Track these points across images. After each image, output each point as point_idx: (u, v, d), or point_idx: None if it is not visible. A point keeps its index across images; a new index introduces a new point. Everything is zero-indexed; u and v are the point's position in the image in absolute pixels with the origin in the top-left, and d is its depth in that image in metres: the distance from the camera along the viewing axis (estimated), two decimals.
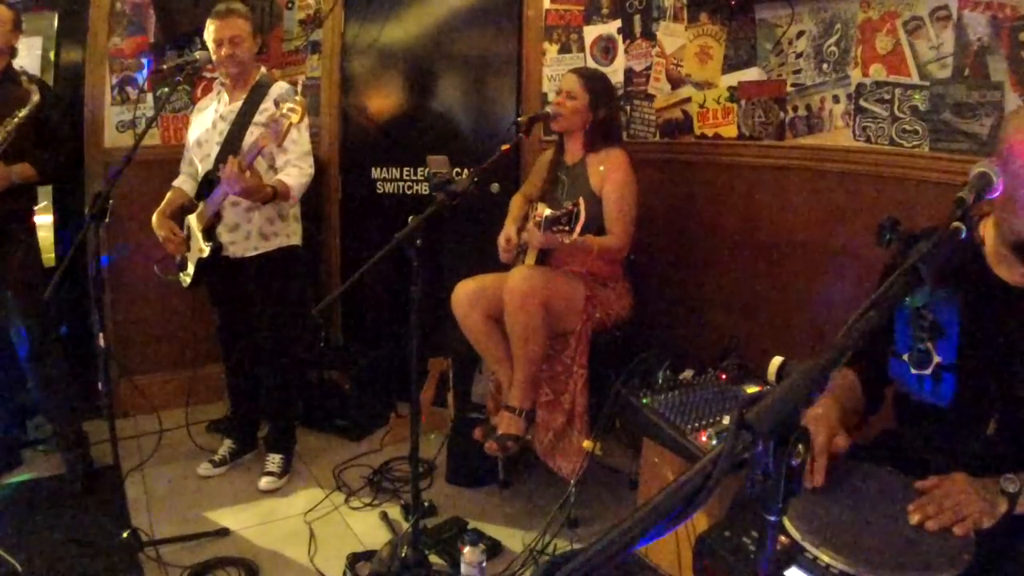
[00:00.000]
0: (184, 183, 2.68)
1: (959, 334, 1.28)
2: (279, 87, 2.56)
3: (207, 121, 2.57)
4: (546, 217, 2.09)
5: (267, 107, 2.49)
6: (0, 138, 2.38)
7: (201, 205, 2.49)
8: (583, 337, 2.32)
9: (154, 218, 2.55)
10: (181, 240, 2.53)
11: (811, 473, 1.24)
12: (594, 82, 2.52)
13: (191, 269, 2.55)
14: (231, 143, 2.46)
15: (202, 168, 2.54)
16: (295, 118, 2.20)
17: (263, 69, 2.62)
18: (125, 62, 3.12)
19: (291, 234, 2.65)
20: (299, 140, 2.49)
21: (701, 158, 2.74)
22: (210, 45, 2.48)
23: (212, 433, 3.06)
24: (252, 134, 2.46)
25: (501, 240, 2.59)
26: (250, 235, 2.54)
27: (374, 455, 2.91)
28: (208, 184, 2.46)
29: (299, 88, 2.72)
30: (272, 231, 2.58)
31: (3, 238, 2.51)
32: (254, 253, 2.55)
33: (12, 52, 2.54)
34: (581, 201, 2.03)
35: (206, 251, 2.48)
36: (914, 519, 1.16)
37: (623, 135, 2.75)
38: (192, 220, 2.53)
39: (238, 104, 2.52)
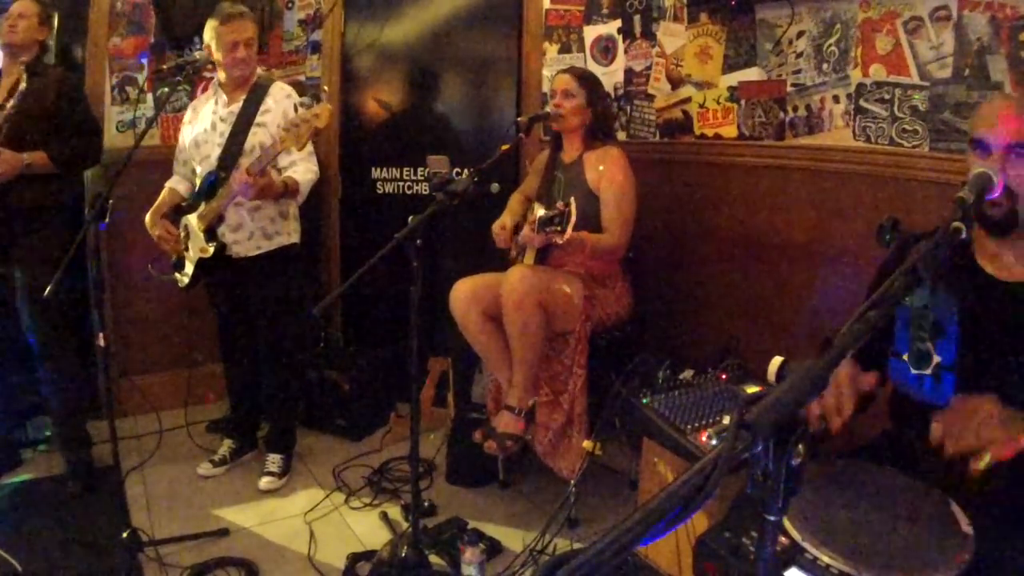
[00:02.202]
0: (178, 184, 2.67)
1: (958, 334, 1.28)
2: (279, 88, 2.55)
3: (205, 122, 2.56)
4: (539, 218, 2.12)
5: (268, 108, 2.50)
6: None
7: (202, 205, 2.49)
8: (582, 337, 2.32)
9: (147, 218, 2.54)
10: (177, 239, 2.53)
11: (839, 407, 1.20)
12: (586, 79, 2.54)
13: (189, 269, 2.55)
14: (233, 144, 2.46)
15: (202, 169, 2.53)
16: (321, 123, 2.19)
17: (259, 70, 2.62)
18: (125, 62, 3.12)
19: (291, 232, 2.66)
20: None
21: (701, 158, 2.74)
22: (219, 47, 2.45)
23: (212, 433, 3.06)
24: (255, 135, 2.46)
25: (495, 227, 2.59)
26: (253, 235, 2.54)
27: (374, 455, 2.91)
28: (211, 184, 2.46)
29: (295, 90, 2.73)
30: (275, 230, 2.58)
31: (17, 234, 2.49)
32: (256, 252, 2.55)
33: (42, 47, 2.53)
34: (572, 201, 2.04)
35: (210, 251, 2.47)
36: (936, 434, 1.13)
37: (619, 133, 2.75)
38: (192, 220, 2.52)
39: (237, 106, 2.51)
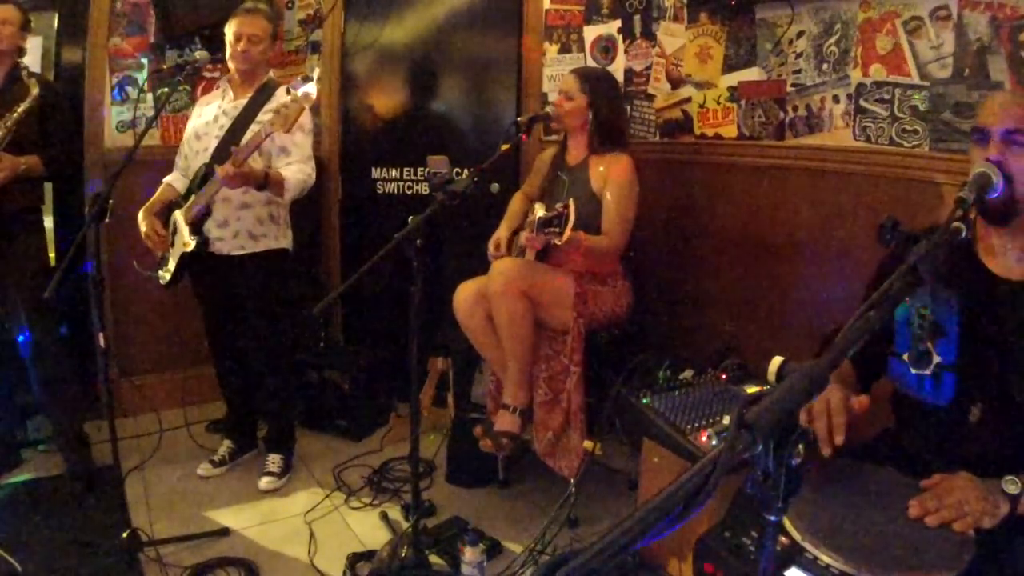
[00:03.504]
0: (176, 180, 2.66)
1: (959, 333, 1.28)
2: (285, 91, 2.54)
3: (208, 115, 2.57)
4: (539, 219, 2.12)
5: (271, 107, 2.49)
6: (1, 133, 2.39)
7: (192, 199, 2.49)
8: (577, 335, 2.32)
9: (140, 212, 2.54)
10: (164, 238, 2.51)
11: (831, 435, 1.20)
12: (593, 82, 2.49)
13: (171, 265, 2.53)
14: (231, 138, 2.45)
15: (197, 161, 2.53)
16: (308, 102, 2.20)
17: (271, 73, 2.62)
18: (125, 62, 3.12)
19: (280, 237, 2.63)
20: (301, 144, 2.50)
21: (701, 158, 2.74)
22: (228, 39, 2.50)
23: (212, 433, 3.06)
24: (253, 131, 2.46)
25: (490, 245, 2.59)
26: (238, 233, 2.52)
27: (374, 455, 2.90)
28: (203, 177, 2.46)
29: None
30: (261, 232, 2.56)
31: (10, 236, 2.51)
32: (240, 252, 2.54)
33: (20, 52, 2.55)
34: (571, 203, 2.04)
35: (191, 245, 2.46)
36: (913, 512, 1.16)
37: (628, 136, 2.73)
38: (178, 215, 2.52)
39: (242, 101, 2.52)
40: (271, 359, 2.70)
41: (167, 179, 2.67)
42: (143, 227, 2.51)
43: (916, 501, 1.18)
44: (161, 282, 2.59)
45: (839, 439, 1.20)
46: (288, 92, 2.25)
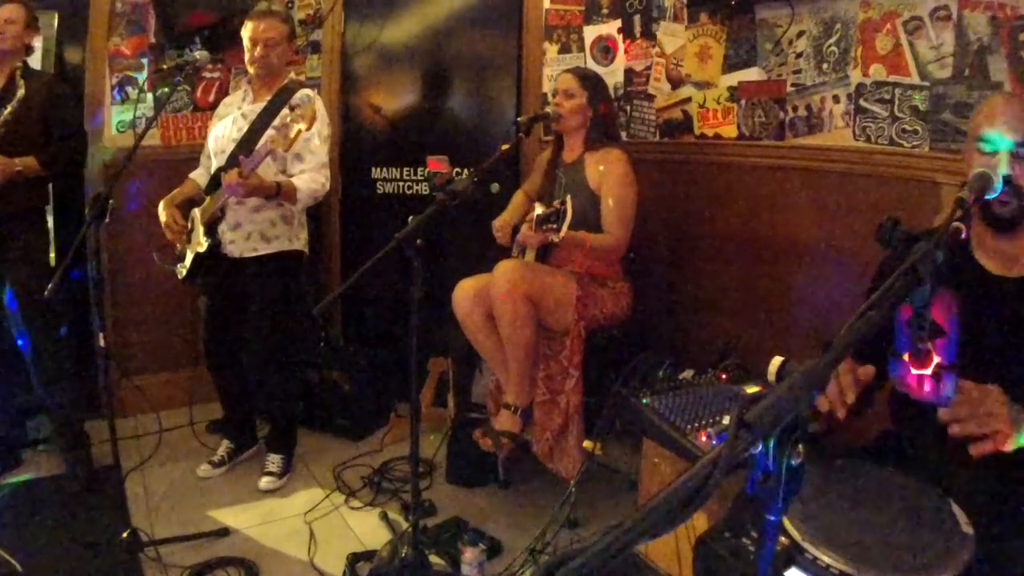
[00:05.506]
0: (200, 176, 2.67)
1: (958, 333, 1.28)
2: (303, 93, 2.55)
3: (228, 118, 2.57)
4: (537, 216, 2.13)
5: (287, 112, 2.49)
6: None
7: (207, 199, 2.49)
8: (577, 338, 2.32)
9: (161, 203, 2.54)
10: (181, 228, 2.52)
11: (842, 395, 1.20)
12: (589, 79, 2.55)
13: (188, 261, 2.55)
14: (247, 142, 2.45)
15: (216, 163, 2.53)
16: (303, 124, 2.20)
17: (292, 74, 2.61)
18: (125, 62, 3.12)
19: (293, 239, 2.63)
20: (317, 151, 2.51)
21: (701, 158, 2.74)
22: (245, 43, 2.49)
23: (212, 433, 3.06)
24: (269, 136, 2.45)
25: (496, 223, 2.59)
26: (251, 236, 2.53)
27: (374, 455, 2.90)
28: (217, 179, 2.46)
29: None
30: (274, 234, 2.56)
31: (10, 236, 2.50)
32: (253, 254, 2.54)
33: (27, 50, 2.54)
34: (568, 199, 2.06)
35: (204, 246, 2.47)
36: (944, 417, 1.14)
37: (620, 133, 2.75)
38: (196, 213, 2.53)
39: (261, 105, 2.52)
40: (273, 359, 2.69)
41: (192, 174, 2.69)
42: (163, 217, 2.51)
43: (947, 409, 1.14)
44: (179, 276, 2.60)
45: (851, 398, 1.20)
46: (291, 109, 2.25)
